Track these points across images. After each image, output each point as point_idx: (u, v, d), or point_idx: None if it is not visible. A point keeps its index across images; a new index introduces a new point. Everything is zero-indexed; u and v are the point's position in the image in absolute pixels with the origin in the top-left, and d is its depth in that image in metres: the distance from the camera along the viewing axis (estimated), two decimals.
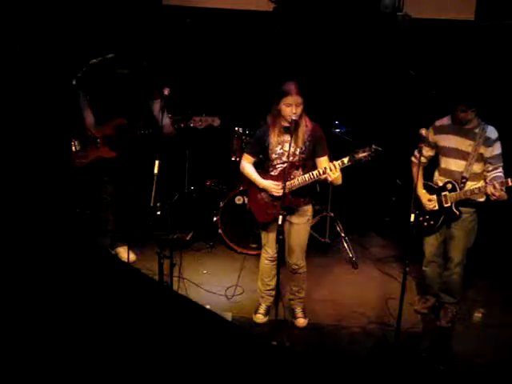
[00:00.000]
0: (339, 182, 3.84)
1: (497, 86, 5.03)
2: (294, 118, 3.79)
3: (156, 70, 4.62)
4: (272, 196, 4.02)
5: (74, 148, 4.66)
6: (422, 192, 4.20)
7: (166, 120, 4.43)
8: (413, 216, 3.65)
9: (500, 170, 3.94)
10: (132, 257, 4.74)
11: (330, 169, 3.76)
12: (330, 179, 3.78)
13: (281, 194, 3.86)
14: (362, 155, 3.71)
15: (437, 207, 4.12)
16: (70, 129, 4.69)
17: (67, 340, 1.97)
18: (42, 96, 5.54)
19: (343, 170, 3.80)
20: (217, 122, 4.45)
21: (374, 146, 3.71)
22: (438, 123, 4.13)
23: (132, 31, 4.62)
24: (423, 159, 4.20)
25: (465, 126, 3.97)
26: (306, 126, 3.93)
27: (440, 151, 4.13)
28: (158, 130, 4.34)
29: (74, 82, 4.62)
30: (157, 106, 4.52)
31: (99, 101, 4.59)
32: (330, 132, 5.32)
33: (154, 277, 4.09)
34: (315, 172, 3.86)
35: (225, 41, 5.85)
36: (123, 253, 4.92)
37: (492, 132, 3.95)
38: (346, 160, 3.74)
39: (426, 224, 4.18)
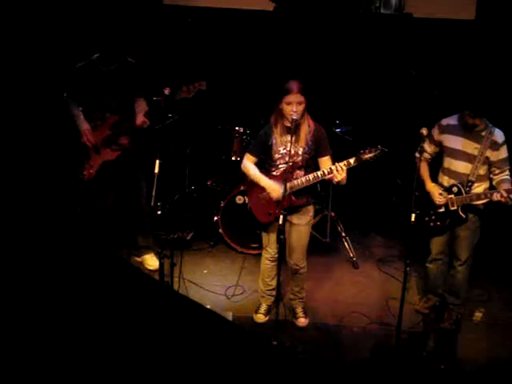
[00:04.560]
0: (344, 182, 3.83)
1: (496, 87, 5.02)
2: (294, 117, 3.78)
3: (141, 68, 4.61)
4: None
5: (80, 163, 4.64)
6: (431, 185, 4.14)
7: (140, 110, 4.49)
8: (413, 216, 3.64)
9: (507, 173, 3.93)
10: (156, 265, 4.66)
11: (336, 169, 3.76)
12: (336, 180, 3.77)
13: (278, 199, 3.87)
14: (368, 156, 3.70)
15: (444, 202, 4.07)
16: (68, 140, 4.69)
17: (68, 339, 1.97)
18: (43, 103, 5.54)
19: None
20: (203, 85, 4.36)
21: (380, 147, 3.70)
22: (444, 122, 4.09)
23: (133, 31, 4.62)
24: (428, 156, 4.20)
25: (472, 129, 3.95)
26: (308, 126, 3.93)
27: (445, 151, 4.10)
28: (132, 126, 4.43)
29: (65, 94, 4.59)
30: (139, 105, 4.54)
31: (90, 102, 4.56)
32: (331, 131, 5.31)
33: (155, 276, 4.10)
34: (320, 172, 3.86)
35: (225, 40, 5.85)
36: (149, 260, 4.93)
37: (499, 136, 3.93)
38: (352, 161, 3.74)
39: (432, 224, 4.16)
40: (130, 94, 4.57)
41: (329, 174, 3.80)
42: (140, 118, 4.47)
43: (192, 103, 4.59)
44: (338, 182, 3.80)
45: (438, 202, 4.09)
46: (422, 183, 4.13)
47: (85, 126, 4.54)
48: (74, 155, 4.68)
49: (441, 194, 4.09)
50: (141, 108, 4.55)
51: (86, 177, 4.62)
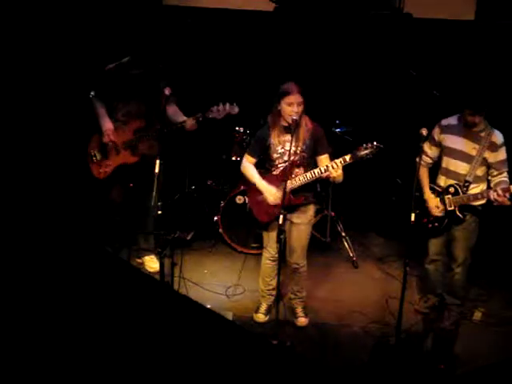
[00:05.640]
0: (341, 179, 3.85)
1: (496, 87, 5.02)
2: (294, 117, 3.80)
3: (169, 73, 4.59)
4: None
5: (94, 159, 4.64)
6: (429, 196, 4.14)
7: (177, 114, 4.48)
8: (413, 215, 3.65)
9: (505, 175, 3.92)
10: (156, 267, 4.67)
11: (332, 166, 3.78)
12: (331, 176, 3.79)
13: (275, 203, 3.90)
14: (363, 153, 3.73)
15: (443, 214, 4.08)
16: (87, 137, 4.68)
17: (69, 338, 1.98)
18: (53, 102, 5.53)
19: (344, 168, 3.81)
20: (235, 109, 4.36)
21: (375, 144, 3.72)
22: (444, 122, 4.09)
23: (132, 31, 4.62)
24: (429, 160, 4.19)
25: (471, 129, 3.95)
26: (306, 126, 3.95)
27: (444, 151, 4.10)
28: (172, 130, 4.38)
29: (92, 93, 4.58)
30: (170, 109, 4.50)
31: (117, 104, 4.56)
32: (330, 131, 5.32)
33: (155, 276, 4.11)
34: (317, 170, 3.88)
35: (225, 41, 5.85)
36: (150, 262, 4.94)
37: (498, 137, 3.93)
38: (347, 158, 3.76)
39: (430, 226, 4.15)
40: (157, 101, 4.48)
41: (325, 171, 3.82)
42: (190, 122, 4.39)
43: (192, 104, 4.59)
44: (334, 179, 3.82)
45: (434, 213, 4.09)
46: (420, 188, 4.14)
47: (108, 125, 4.52)
48: (89, 152, 4.68)
49: (437, 207, 4.09)
50: (177, 113, 4.51)
51: (102, 175, 4.63)
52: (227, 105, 4.33)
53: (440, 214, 4.07)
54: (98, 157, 4.63)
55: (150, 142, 4.55)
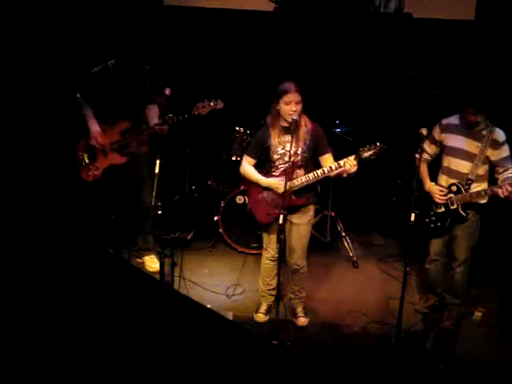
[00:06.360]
0: (355, 171, 3.81)
1: (496, 87, 5.03)
2: (294, 117, 3.79)
3: (155, 75, 4.60)
4: (273, 196, 4.02)
5: (83, 162, 4.65)
6: (430, 184, 4.14)
7: (153, 116, 4.46)
8: (413, 215, 3.64)
9: (510, 171, 3.92)
10: (156, 267, 4.67)
11: (335, 167, 3.78)
12: (348, 172, 3.76)
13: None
14: (367, 154, 3.71)
15: (445, 200, 4.06)
16: (76, 141, 4.69)
17: (69, 338, 1.98)
18: (46, 105, 5.52)
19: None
20: (220, 104, 4.33)
21: (379, 144, 3.71)
22: (444, 121, 4.10)
23: (133, 32, 4.62)
24: (428, 156, 4.20)
25: (473, 128, 3.95)
26: (305, 126, 3.94)
27: (445, 150, 4.11)
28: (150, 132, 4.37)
29: (78, 95, 4.60)
30: (150, 110, 4.50)
31: (104, 107, 4.56)
32: (330, 131, 5.32)
33: (156, 276, 4.11)
34: (320, 171, 3.87)
35: (226, 41, 5.85)
36: (150, 262, 4.95)
37: (499, 135, 3.93)
38: (351, 159, 3.75)
39: (432, 226, 4.15)
40: (145, 101, 4.52)
41: (336, 169, 3.80)
42: (158, 127, 4.37)
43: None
44: (349, 175, 3.81)
45: (438, 200, 4.08)
46: (421, 183, 4.14)
47: (95, 127, 4.54)
48: (78, 156, 4.69)
49: (441, 191, 4.08)
50: (153, 114, 4.51)
51: (91, 177, 4.63)
52: (212, 100, 4.31)
53: (445, 199, 4.05)
54: (87, 160, 4.64)
55: (138, 141, 4.56)
